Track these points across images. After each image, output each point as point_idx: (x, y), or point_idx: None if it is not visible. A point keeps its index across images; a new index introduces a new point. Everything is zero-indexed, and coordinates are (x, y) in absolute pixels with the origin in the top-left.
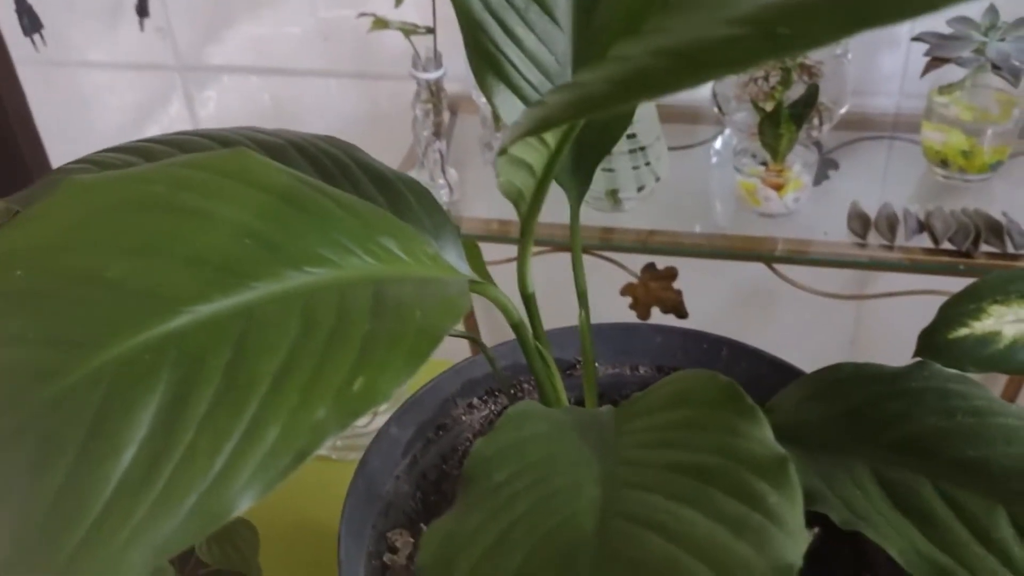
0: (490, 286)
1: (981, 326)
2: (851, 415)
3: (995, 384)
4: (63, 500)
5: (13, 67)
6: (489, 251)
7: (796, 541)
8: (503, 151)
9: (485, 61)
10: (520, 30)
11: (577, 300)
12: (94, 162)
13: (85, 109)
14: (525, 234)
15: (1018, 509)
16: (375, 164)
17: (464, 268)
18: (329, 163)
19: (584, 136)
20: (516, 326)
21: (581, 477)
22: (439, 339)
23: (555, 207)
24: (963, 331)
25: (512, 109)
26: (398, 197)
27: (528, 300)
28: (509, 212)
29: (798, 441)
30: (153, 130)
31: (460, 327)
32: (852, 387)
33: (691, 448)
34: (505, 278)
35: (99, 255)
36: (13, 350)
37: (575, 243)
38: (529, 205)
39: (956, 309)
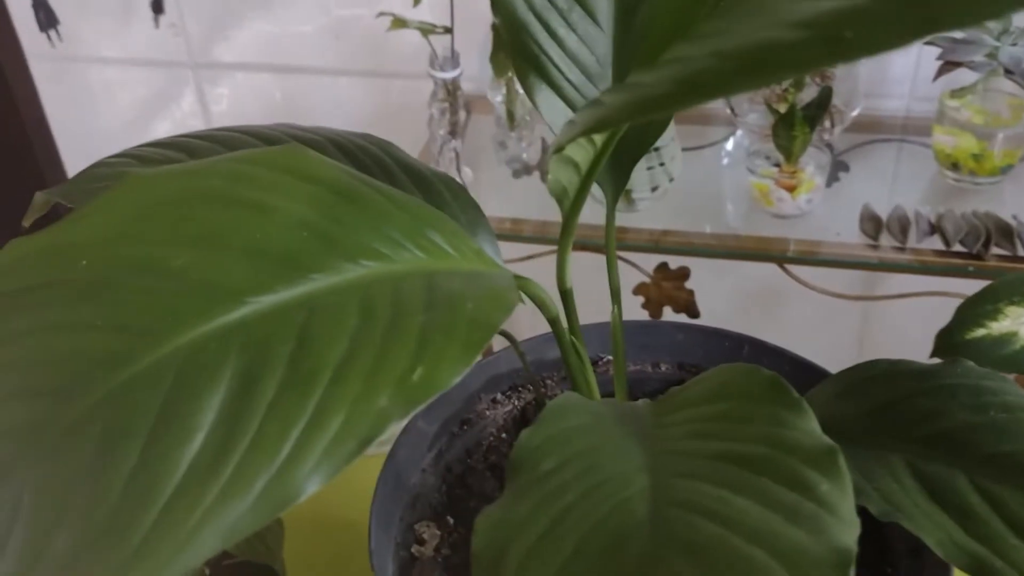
0: (530, 281)
1: (998, 327)
2: (885, 411)
3: None
4: (134, 484)
5: (26, 62)
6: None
7: (850, 528)
8: (559, 149)
9: (527, 61)
10: (562, 31)
11: (610, 296)
12: (135, 156)
13: (97, 104)
14: (566, 230)
15: None
16: (411, 161)
17: (502, 263)
18: (366, 159)
19: (625, 136)
20: (553, 321)
21: (628, 466)
22: (493, 330)
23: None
24: (980, 332)
25: (553, 108)
26: (434, 193)
27: (566, 295)
28: (522, 211)
29: (833, 435)
30: (165, 126)
31: None
32: (885, 384)
33: (737, 439)
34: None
35: (162, 246)
36: (83, 336)
37: (609, 240)
38: (572, 202)
39: (973, 310)
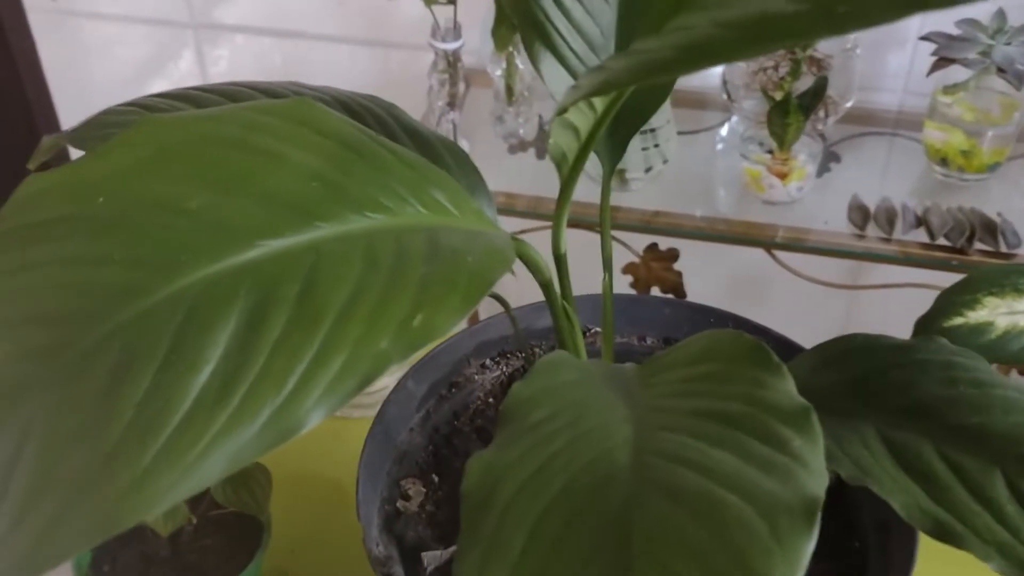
0: (527, 244)
1: (975, 316)
2: (860, 382)
3: None
4: (145, 409)
5: (24, 14)
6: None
7: (819, 480)
8: (561, 111)
9: (534, 29)
10: (568, 1)
11: (603, 266)
12: (142, 106)
13: (95, 60)
14: (563, 196)
15: (1013, 471)
16: (414, 123)
17: (500, 226)
18: (371, 119)
19: (623, 107)
20: (546, 285)
21: (613, 419)
22: (491, 284)
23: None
24: (958, 320)
25: (556, 76)
26: (436, 156)
27: (560, 260)
28: (516, 186)
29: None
30: (161, 85)
31: None
32: (862, 356)
33: (718, 397)
34: None
35: (179, 186)
36: (100, 269)
37: (604, 210)
38: (571, 167)
39: (952, 299)
